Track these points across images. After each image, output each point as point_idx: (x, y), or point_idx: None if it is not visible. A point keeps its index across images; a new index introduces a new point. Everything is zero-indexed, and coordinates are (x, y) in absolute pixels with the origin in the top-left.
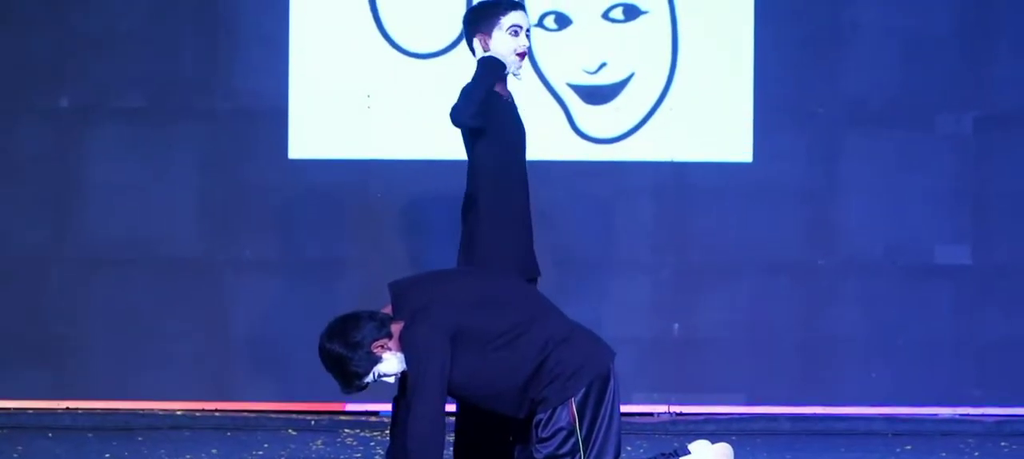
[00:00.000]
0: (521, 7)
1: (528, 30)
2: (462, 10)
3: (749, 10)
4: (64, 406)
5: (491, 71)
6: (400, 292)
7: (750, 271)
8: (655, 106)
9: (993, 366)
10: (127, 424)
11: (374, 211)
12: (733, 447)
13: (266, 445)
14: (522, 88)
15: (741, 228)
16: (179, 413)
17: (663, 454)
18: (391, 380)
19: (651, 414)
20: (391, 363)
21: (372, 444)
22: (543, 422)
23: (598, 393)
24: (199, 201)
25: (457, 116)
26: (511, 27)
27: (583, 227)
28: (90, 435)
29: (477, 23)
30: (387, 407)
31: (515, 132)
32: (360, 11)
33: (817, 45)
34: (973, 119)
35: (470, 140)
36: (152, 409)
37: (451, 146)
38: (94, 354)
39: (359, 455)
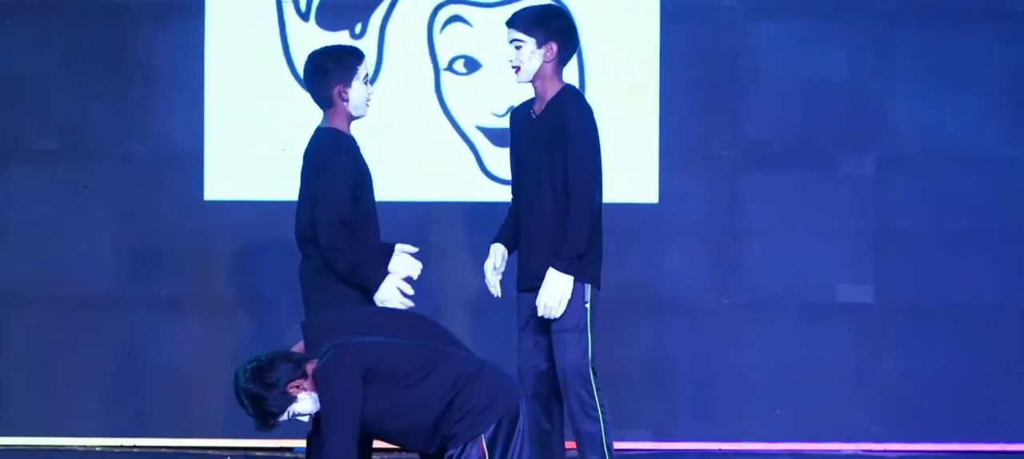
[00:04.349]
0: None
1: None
2: (368, 53)
3: (654, 54)
4: None
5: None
6: (313, 331)
7: (655, 310)
8: None
9: (893, 403)
10: None
11: (288, 251)
12: None
13: None
14: (432, 130)
15: (646, 268)
16: (97, 449)
17: None
18: (305, 419)
19: None
20: (306, 403)
21: None
22: (454, 458)
23: (508, 429)
24: (115, 241)
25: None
26: (366, 76)
27: None
28: None
29: (335, 72)
30: (301, 443)
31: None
32: (274, 55)
33: (720, 88)
34: (874, 160)
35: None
36: (70, 445)
37: None
38: (13, 391)
39: None
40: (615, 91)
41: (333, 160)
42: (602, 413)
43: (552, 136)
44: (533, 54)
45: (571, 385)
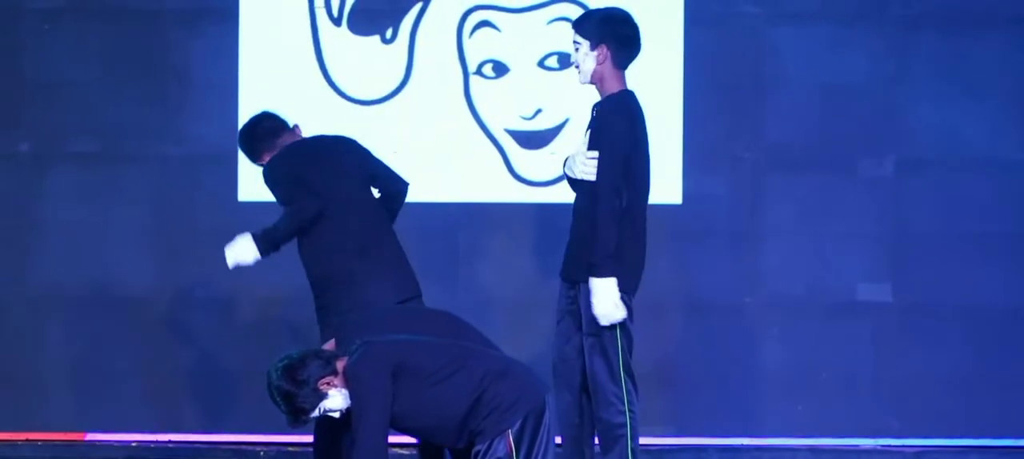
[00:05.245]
0: None
1: None
2: (399, 58)
3: (678, 58)
4: (24, 437)
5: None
6: (343, 330)
7: (679, 309)
8: None
9: (912, 399)
10: (85, 455)
11: None
12: None
13: None
14: (461, 133)
15: (671, 267)
16: (134, 444)
17: None
18: (337, 415)
19: None
20: (336, 399)
21: None
22: (482, 453)
23: (534, 425)
24: (151, 241)
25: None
26: None
27: (520, 268)
28: None
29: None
30: None
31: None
32: (307, 60)
33: (743, 92)
34: (894, 162)
35: None
36: (108, 440)
37: None
38: (52, 387)
39: None
40: (640, 94)
41: None
42: (630, 417)
43: (594, 137)
44: (587, 56)
45: (600, 387)
